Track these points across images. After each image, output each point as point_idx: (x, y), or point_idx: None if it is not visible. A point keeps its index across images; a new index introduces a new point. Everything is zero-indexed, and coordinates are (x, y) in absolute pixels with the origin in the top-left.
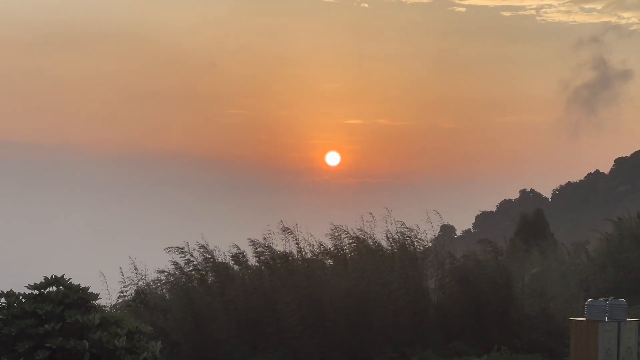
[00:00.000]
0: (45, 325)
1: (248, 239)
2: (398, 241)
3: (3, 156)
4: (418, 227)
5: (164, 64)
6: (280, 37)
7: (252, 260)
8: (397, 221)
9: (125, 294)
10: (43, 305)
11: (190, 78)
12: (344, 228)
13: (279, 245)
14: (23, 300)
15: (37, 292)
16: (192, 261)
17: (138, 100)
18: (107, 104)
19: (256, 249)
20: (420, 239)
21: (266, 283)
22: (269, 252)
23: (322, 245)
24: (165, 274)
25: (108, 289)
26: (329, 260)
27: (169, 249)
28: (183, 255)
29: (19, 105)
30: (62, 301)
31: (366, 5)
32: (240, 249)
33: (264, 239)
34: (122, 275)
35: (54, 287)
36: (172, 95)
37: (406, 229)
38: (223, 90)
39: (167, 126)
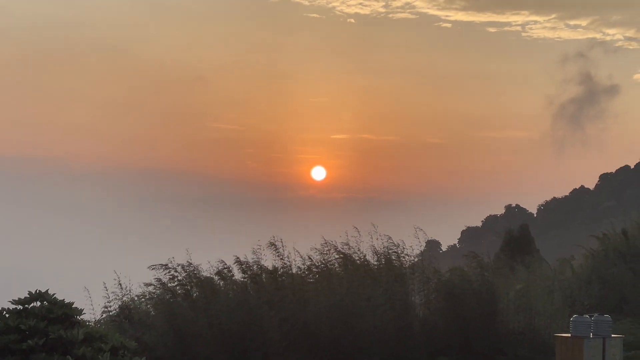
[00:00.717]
0: (29, 341)
1: (234, 256)
2: (384, 256)
3: None
4: (404, 242)
5: (150, 78)
6: (266, 52)
7: (238, 275)
8: (384, 235)
9: (109, 309)
10: (27, 320)
11: (177, 92)
12: (332, 242)
13: (266, 261)
14: (7, 315)
15: (20, 307)
16: (177, 277)
17: (124, 114)
18: (92, 118)
19: (241, 265)
20: (406, 254)
21: (251, 298)
22: (255, 266)
23: (308, 259)
24: (150, 288)
25: (92, 304)
26: (315, 276)
27: (153, 267)
28: (167, 271)
29: (3, 118)
30: (46, 316)
31: (352, 20)
32: (226, 264)
33: (253, 252)
34: (106, 290)
35: (38, 302)
36: (158, 109)
37: (392, 244)
38: (209, 105)
39: (154, 140)
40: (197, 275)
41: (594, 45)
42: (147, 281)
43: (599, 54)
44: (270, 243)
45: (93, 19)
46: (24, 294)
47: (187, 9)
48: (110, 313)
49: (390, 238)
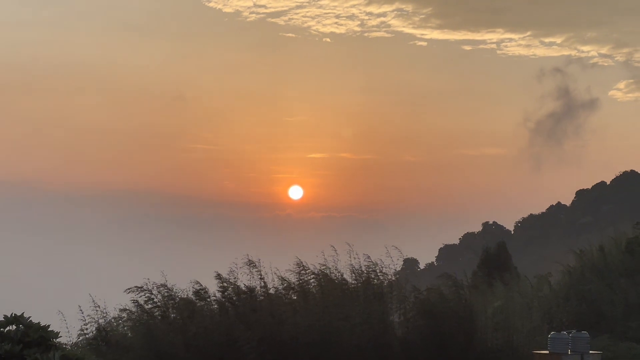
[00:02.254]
0: None
1: (215, 271)
2: (362, 275)
3: None
4: (382, 261)
5: (126, 100)
6: (242, 72)
7: (215, 296)
8: (363, 254)
9: (85, 331)
10: (2, 344)
11: (153, 114)
12: (305, 264)
13: (243, 280)
14: None
15: None
16: (153, 298)
17: (99, 136)
18: (68, 140)
19: (222, 284)
20: (384, 272)
21: (228, 319)
22: (232, 287)
23: (285, 280)
24: (127, 311)
25: (67, 327)
26: (292, 296)
27: (129, 290)
28: (143, 294)
29: None
30: (21, 340)
31: (328, 40)
32: (202, 285)
33: (230, 272)
34: (82, 313)
35: (13, 325)
36: (134, 130)
37: (371, 263)
38: (186, 125)
39: (130, 162)
40: (173, 297)
41: (570, 62)
42: (124, 303)
43: (574, 70)
44: (249, 261)
45: (68, 41)
46: None
47: (163, 30)
48: (87, 336)
49: (368, 257)
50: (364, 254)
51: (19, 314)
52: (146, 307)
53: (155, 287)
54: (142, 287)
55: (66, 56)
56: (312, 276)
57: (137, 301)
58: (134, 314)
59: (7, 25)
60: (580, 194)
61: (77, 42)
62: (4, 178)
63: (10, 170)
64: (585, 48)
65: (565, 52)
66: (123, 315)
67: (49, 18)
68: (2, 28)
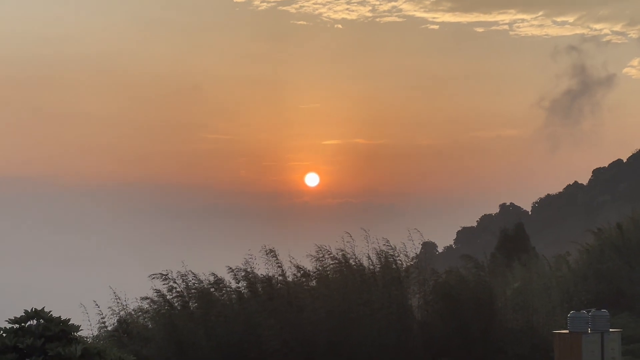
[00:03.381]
0: (27, 359)
1: (227, 266)
2: (381, 259)
3: None
4: (404, 244)
5: (140, 91)
6: (255, 60)
7: (235, 285)
8: (382, 239)
9: (105, 324)
10: (24, 339)
11: (168, 105)
12: (327, 248)
13: (261, 269)
14: (3, 334)
15: (17, 325)
16: (175, 288)
17: (115, 128)
18: (84, 133)
19: (235, 275)
20: (405, 255)
21: (248, 308)
22: (251, 276)
23: (302, 268)
24: (148, 301)
25: (89, 320)
26: (312, 282)
27: (153, 276)
28: (166, 282)
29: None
30: (43, 334)
31: (340, 26)
32: (219, 276)
33: (246, 262)
34: (99, 307)
35: (34, 320)
36: (149, 122)
37: (390, 247)
38: (200, 116)
39: (145, 153)
40: (196, 286)
41: (583, 41)
42: (143, 294)
43: (588, 48)
44: (269, 250)
45: (83, 34)
46: (18, 312)
47: (175, 21)
48: (108, 328)
49: (388, 241)
50: (383, 238)
51: (39, 308)
52: (169, 297)
53: (179, 276)
54: (165, 275)
55: (81, 50)
56: (331, 263)
57: (158, 290)
58: (155, 303)
59: (22, 21)
60: (597, 172)
61: (91, 36)
62: (22, 173)
63: (28, 166)
64: (598, 26)
65: (578, 31)
66: (144, 306)
67: (65, 13)
68: (19, 24)
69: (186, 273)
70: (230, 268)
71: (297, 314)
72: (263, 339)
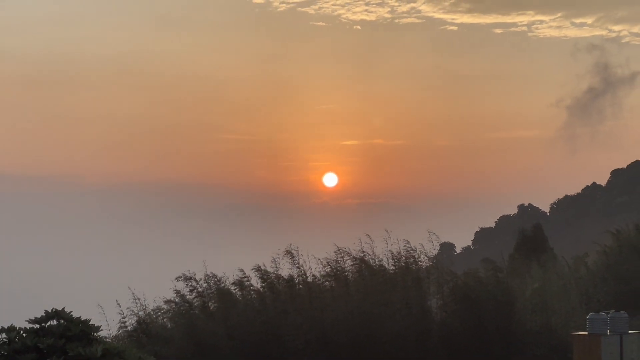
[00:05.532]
0: None
1: (255, 264)
2: (400, 261)
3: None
4: (423, 245)
5: (158, 92)
6: (274, 61)
7: (256, 285)
8: (402, 240)
9: (125, 324)
10: (44, 339)
11: (186, 105)
12: (347, 250)
13: (283, 270)
14: (24, 334)
15: (37, 326)
16: (197, 288)
17: (133, 129)
18: (104, 134)
19: (261, 274)
20: (424, 256)
21: (269, 308)
22: (272, 275)
23: (325, 266)
24: (167, 302)
25: (107, 320)
26: (332, 283)
27: (179, 278)
28: (188, 283)
29: (18, 137)
30: (63, 334)
31: (359, 27)
32: (245, 274)
33: (273, 261)
34: (120, 307)
35: (54, 320)
36: (167, 123)
37: (410, 248)
38: (218, 116)
39: (164, 154)
40: (219, 286)
41: (602, 42)
42: (162, 295)
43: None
44: (287, 251)
45: (102, 35)
46: (38, 312)
47: (193, 21)
48: (127, 328)
49: (408, 242)
50: (403, 240)
51: (58, 308)
52: (190, 297)
53: (204, 277)
54: (190, 277)
55: (100, 51)
56: (351, 264)
57: (178, 291)
58: (177, 304)
59: (42, 22)
60: (616, 173)
61: (110, 37)
62: (42, 173)
63: (49, 165)
64: (616, 27)
65: (597, 33)
66: (163, 306)
67: (84, 14)
68: (38, 25)
69: (208, 273)
70: (258, 265)
71: (318, 314)
72: (286, 337)
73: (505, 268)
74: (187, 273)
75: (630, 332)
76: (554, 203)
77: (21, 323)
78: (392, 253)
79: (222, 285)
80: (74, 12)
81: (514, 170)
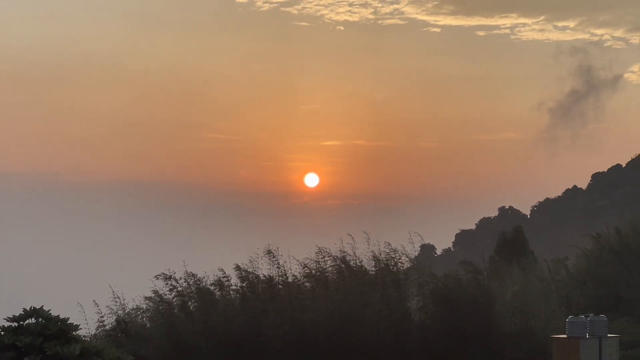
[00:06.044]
0: (25, 358)
1: (234, 264)
2: (381, 262)
3: None
4: (403, 247)
5: (142, 91)
6: (257, 61)
7: (236, 285)
8: (383, 242)
9: (104, 323)
10: (22, 337)
11: (168, 103)
12: (327, 250)
13: (262, 269)
14: (2, 333)
15: (15, 324)
16: (176, 287)
17: (116, 126)
18: (84, 131)
19: (241, 273)
20: (404, 258)
21: (249, 308)
22: (252, 276)
23: (305, 268)
24: (150, 300)
25: (86, 319)
26: (311, 283)
27: (158, 277)
28: (168, 282)
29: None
30: (41, 333)
31: (342, 28)
32: (225, 273)
33: (250, 261)
34: (98, 306)
35: (32, 318)
36: (150, 121)
37: (391, 250)
38: (201, 115)
39: (146, 153)
40: (199, 286)
41: (584, 46)
42: (142, 293)
43: (589, 52)
44: (267, 251)
45: (86, 32)
46: (16, 310)
47: (177, 20)
48: (106, 327)
49: (389, 244)
50: (384, 242)
51: (37, 306)
52: (169, 296)
53: (184, 276)
54: (169, 276)
55: (84, 48)
56: (331, 264)
57: (156, 291)
58: (155, 303)
59: (26, 20)
60: (596, 177)
61: (94, 34)
62: (22, 170)
63: (29, 162)
64: (599, 31)
65: (579, 36)
66: (143, 305)
67: (69, 11)
68: (23, 24)
69: (188, 273)
70: (237, 265)
71: (298, 314)
72: (265, 338)
73: (485, 270)
74: (166, 272)
75: (609, 335)
76: (535, 206)
77: None
78: (373, 254)
79: (202, 284)
80: (56, 9)
81: (495, 172)
